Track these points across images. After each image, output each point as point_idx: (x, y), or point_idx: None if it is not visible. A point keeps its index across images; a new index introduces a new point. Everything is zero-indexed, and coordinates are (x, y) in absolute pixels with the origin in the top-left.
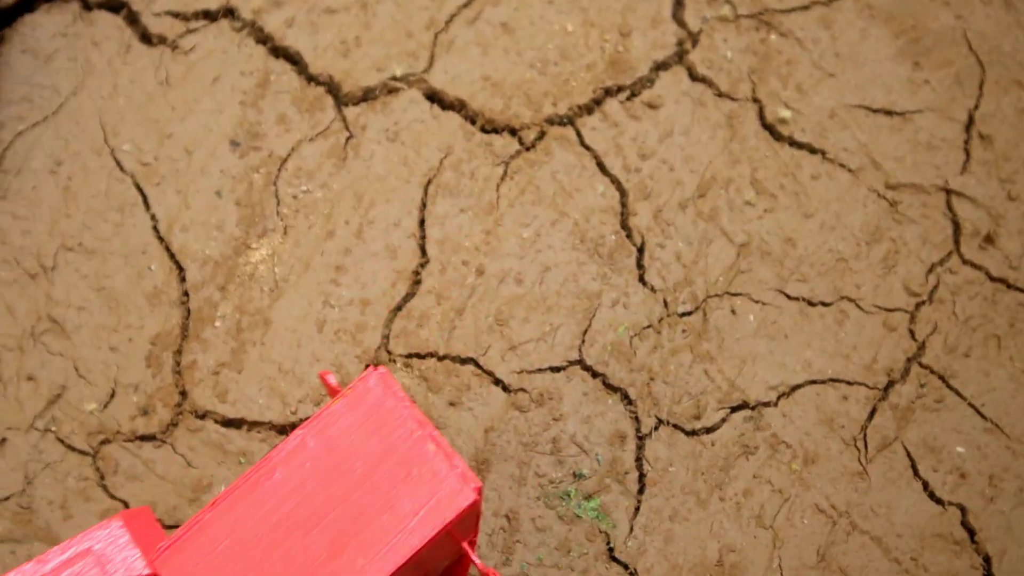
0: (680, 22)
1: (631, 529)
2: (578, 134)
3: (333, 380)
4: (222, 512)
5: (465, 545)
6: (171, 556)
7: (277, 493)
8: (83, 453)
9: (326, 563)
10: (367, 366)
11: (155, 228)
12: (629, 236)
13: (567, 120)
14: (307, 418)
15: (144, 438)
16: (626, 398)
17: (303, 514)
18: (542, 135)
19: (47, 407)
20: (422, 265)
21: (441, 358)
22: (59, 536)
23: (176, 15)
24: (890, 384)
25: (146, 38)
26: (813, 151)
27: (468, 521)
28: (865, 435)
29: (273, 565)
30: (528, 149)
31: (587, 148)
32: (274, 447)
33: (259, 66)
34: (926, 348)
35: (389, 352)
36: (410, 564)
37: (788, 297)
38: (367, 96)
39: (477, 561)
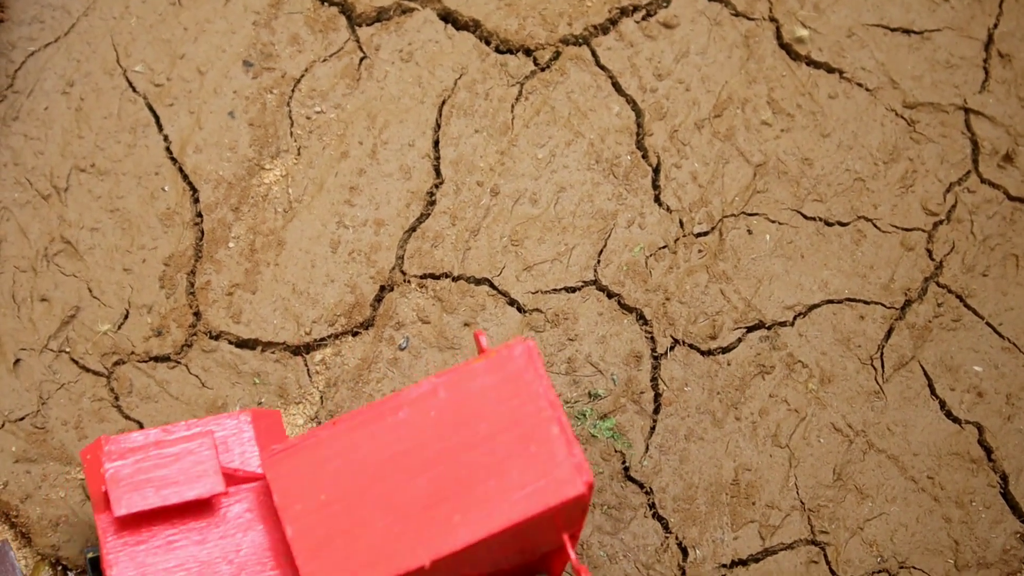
0: None
1: (646, 448)
2: (593, 54)
3: (485, 341)
4: (339, 434)
5: (566, 538)
6: (282, 460)
7: (396, 431)
8: (97, 374)
9: (423, 510)
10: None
11: (168, 149)
12: (645, 156)
13: (582, 40)
14: (322, 339)
15: (158, 359)
16: (641, 318)
17: (415, 458)
18: (557, 55)
19: (61, 328)
20: (436, 186)
21: (456, 279)
22: (74, 456)
23: None
24: (907, 303)
25: None
26: (830, 70)
27: (573, 513)
28: (882, 354)
29: (373, 496)
30: (543, 69)
31: (602, 68)
32: (407, 387)
33: None
34: (943, 267)
35: (403, 273)
36: (504, 536)
37: (805, 217)
38: (381, 16)
39: (573, 557)
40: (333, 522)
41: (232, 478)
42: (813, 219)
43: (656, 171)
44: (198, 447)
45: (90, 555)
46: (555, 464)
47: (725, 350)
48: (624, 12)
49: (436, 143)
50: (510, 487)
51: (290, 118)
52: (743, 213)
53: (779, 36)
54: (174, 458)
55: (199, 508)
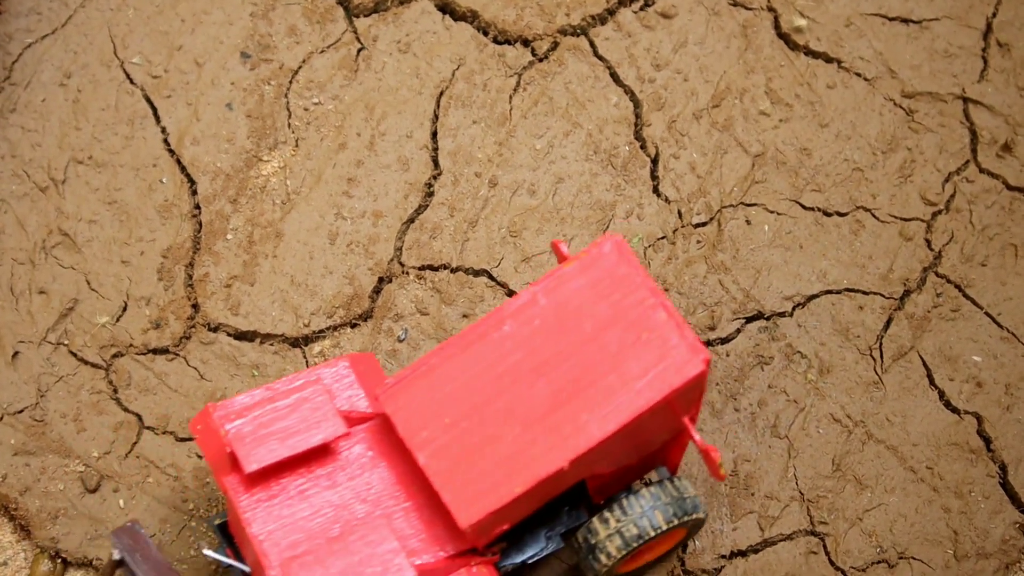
0: None
1: None
2: (591, 44)
3: (565, 248)
4: (449, 357)
5: (686, 420)
6: (397, 393)
7: (504, 345)
8: (96, 366)
9: (548, 415)
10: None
11: (166, 141)
12: (643, 147)
13: (580, 30)
14: (320, 331)
15: (157, 351)
16: None
17: (529, 367)
18: (555, 46)
19: (59, 320)
20: (435, 177)
21: (454, 270)
22: (73, 449)
23: None
24: (906, 293)
25: None
26: (829, 60)
27: (692, 394)
28: (881, 345)
29: (496, 411)
30: (541, 60)
31: (600, 58)
32: (504, 301)
33: None
34: (942, 257)
35: (402, 264)
36: (631, 427)
37: (803, 207)
38: (378, 7)
39: (697, 437)
40: (462, 442)
41: (347, 420)
42: (812, 209)
43: (654, 162)
44: (312, 394)
45: (217, 522)
46: (670, 347)
47: (724, 341)
48: (622, 2)
49: (434, 134)
50: (630, 378)
51: (288, 110)
52: (742, 203)
53: (777, 26)
54: (290, 408)
55: (321, 455)
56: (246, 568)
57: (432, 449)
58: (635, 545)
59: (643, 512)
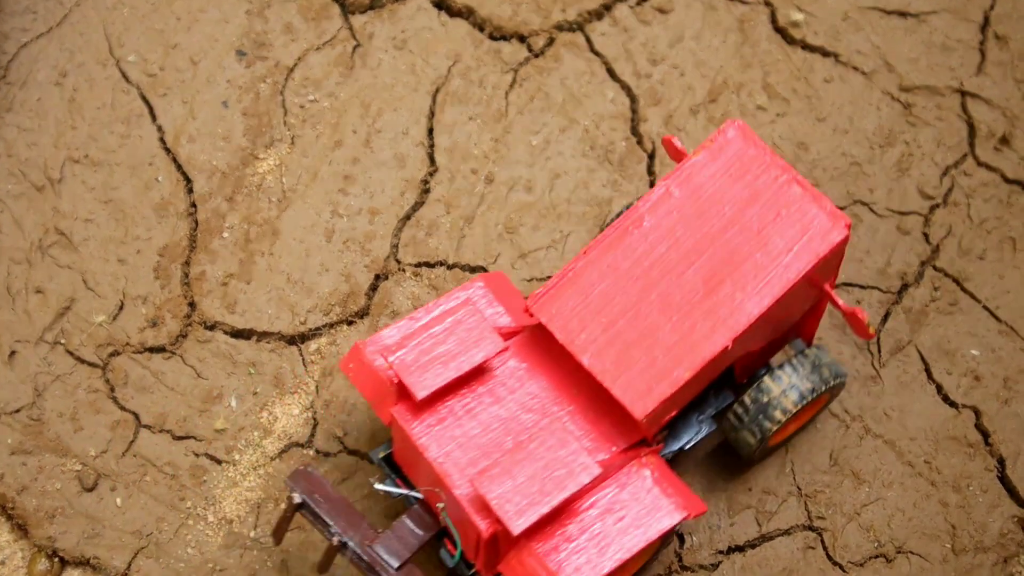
0: None
1: None
2: (587, 40)
3: (679, 143)
4: (593, 260)
5: (827, 288)
6: (550, 301)
7: (647, 239)
8: (92, 365)
9: (703, 300)
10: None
11: (162, 139)
12: (640, 142)
13: (576, 26)
14: (317, 328)
15: (153, 350)
16: None
17: (675, 257)
18: (551, 41)
19: (56, 320)
20: (431, 174)
21: (451, 267)
22: (70, 448)
23: None
24: (904, 287)
25: None
26: (826, 54)
27: (833, 261)
28: (879, 339)
29: (650, 305)
30: (537, 56)
31: (597, 54)
32: (639, 198)
33: None
34: (940, 251)
35: (398, 261)
36: (783, 300)
37: None
38: (374, 4)
39: (841, 302)
40: (622, 339)
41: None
42: None
43: (651, 157)
44: (465, 316)
45: (381, 455)
46: (811, 219)
47: None
48: None
49: (430, 131)
50: (777, 253)
51: (284, 107)
52: None
53: (774, 20)
54: (447, 332)
55: (479, 373)
56: (419, 495)
57: (594, 350)
58: (794, 410)
59: (802, 378)
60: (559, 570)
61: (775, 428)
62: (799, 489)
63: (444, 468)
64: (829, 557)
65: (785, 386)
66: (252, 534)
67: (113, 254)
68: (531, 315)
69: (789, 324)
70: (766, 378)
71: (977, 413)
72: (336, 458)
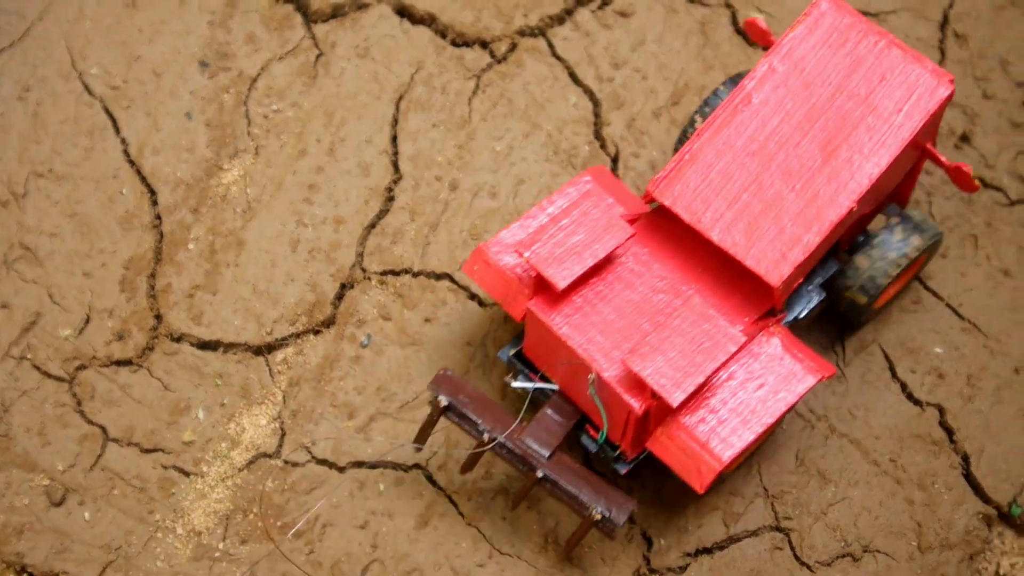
0: None
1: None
2: (550, 45)
3: (763, 24)
4: (708, 140)
5: (928, 147)
6: (669, 185)
7: (758, 115)
8: (59, 379)
9: (822, 167)
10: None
11: (126, 152)
12: (603, 146)
13: (538, 31)
14: (283, 339)
15: (120, 363)
16: None
17: (788, 129)
18: (513, 47)
19: (22, 334)
20: (395, 181)
21: (416, 274)
22: (38, 463)
23: None
24: None
25: None
26: None
27: (936, 120)
28: (843, 338)
29: (771, 176)
30: (500, 62)
31: (559, 59)
32: (742, 80)
33: None
34: None
35: (364, 269)
36: (897, 159)
37: None
38: (336, 12)
39: (943, 158)
40: (747, 212)
41: None
42: None
43: (615, 160)
44: (591, 206)
45: (511, 352)
46: (916, 78)
47: None
48: (580, 1)
49: (394, 139)
50: (888, 114)
51: (247, 117)
52: None
53: (735, 21)
54: (576, 223)
55: (606, 263)
56: (555, 387)
57: (721, 225)
58: (904, 265)
59: (908, 236)
60: (707, 441)
61: (887, 283)
62: (766, 490)
63: (590, 353)
64: (797, 557)
65: (895, 244)
66: (221, 546)
67: (78, 268)
68: (651, 201)
69: (891, 188)
70: (877, 238)
71: (941, 411)
72: (304, 468)
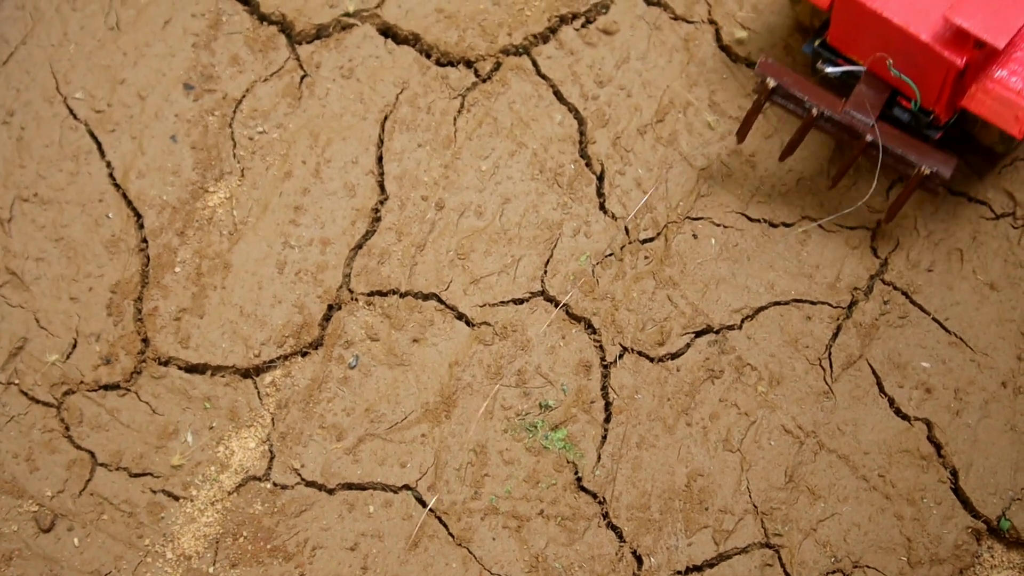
0: None
1: (599, 458)
2: (534, 63)
3: None
4: None
5: None
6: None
7: None
8: (47, 404)
9: None
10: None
11: (111, 175)
12: (588, 164)
13: (523, 50)
14: (271, 361)
15: (108, 387)
16: (590, 327)
17: None
18: (498, 66)
19: (9, 360)
20: (381, 202)
21: (403, 295)
22: (26, 489)
23: None
24: (854, 302)
25: None
26: None
27: None
28: (830, 354)
29: None
30: (484, 81)
31: (543, 77)
32: None
33: (210, 7)
34: (889, 265)
35: (351, 291)
36: None
37: (749, 219)
38: (320, 34)
39: None
40: None
41: None
42: (758, 221)
43: (600, 179)
44: None
45: (816, 43)
46: None
47: (674, 356)
48: (563, 20)
49: (380, 159)
50: None
51: (232, 139)
52: (688, 218)
53: (719, 38)
54: None
55: None
56: (863, 67)
57: None
58: None
59: None
60: (1022, 89)
61: None
62: (755, 507)
63: (906, 19)
64: (787, 574)
65: None
66: (211, 570)
67: (65, 292)
68: None
69: None
70: None
71: (929, 425)
72: (293, 490)
